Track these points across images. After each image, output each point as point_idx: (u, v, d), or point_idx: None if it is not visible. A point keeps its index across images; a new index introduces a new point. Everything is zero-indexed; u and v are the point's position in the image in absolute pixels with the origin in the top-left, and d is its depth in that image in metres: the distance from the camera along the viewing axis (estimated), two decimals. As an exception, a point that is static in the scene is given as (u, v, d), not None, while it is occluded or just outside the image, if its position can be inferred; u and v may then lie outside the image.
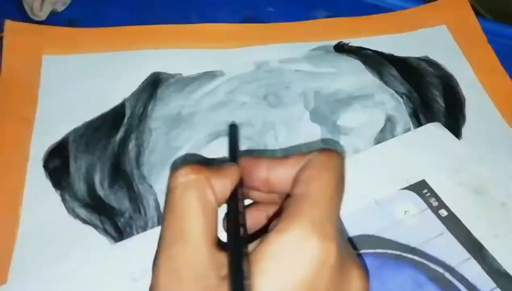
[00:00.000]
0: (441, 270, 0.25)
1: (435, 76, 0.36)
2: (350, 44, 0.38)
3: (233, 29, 0.37)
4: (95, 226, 0.26)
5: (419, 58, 0.37)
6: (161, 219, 0.18)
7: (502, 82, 0.36)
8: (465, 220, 0.27)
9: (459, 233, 0.27)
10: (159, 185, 0.28)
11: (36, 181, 0.27)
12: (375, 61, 0.37)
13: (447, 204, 0.28)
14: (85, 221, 0.26)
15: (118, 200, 0.27)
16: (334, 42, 0.37)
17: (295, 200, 0.17)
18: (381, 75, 0.36)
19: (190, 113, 0.32)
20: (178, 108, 0.32)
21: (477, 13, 0.41)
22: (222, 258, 0.16)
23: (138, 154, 0.29)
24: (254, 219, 0.21)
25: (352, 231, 0.26)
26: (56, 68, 0.33)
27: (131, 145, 0.30)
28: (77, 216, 0.26)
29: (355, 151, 0.31)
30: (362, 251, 0.25)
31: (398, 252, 0.25)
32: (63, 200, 0.27)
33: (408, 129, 0.32)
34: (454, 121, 0.33)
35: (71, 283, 0.23)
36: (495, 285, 0.25)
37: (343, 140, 0.32)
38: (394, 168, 0.28)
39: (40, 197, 0.27)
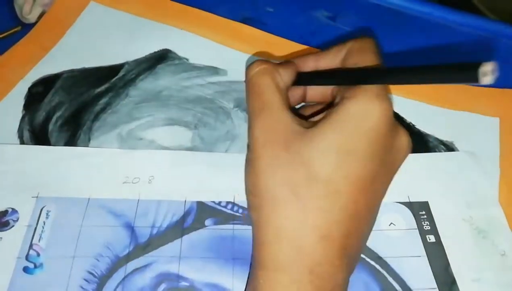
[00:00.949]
0: (398, 287, 0.25)
1: (447, 168, 0.30)
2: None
3: (260, 36, 0.36)
4: (26, 151, 0.29)
5: (441, 141, 0.31)
6: (246, 101, 0.24)
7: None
8: (451, 253, 0.26)
9: (436, 262, 0.26)
10: (96, 142, 0.29)
11: (15, 98, 0.31)
12: (387, 123, 0.32)
13: (439, 231, 0.27)
14: (21, 142, 0.29)
15: (56, 138, 0.29)
16: (356, 88, 0.34)
17: None
18: (383, 140, 0.31)
19: (169, 95, 0.32)
20: (163, 87, 0.33)
21: (479, 12, 0.38)
22: (301, 120, 0.22)
23: (102, 110, 0.31)
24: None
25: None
26: (94, 16, 0.37)
27: (102, 101, 0.32)
28: (20, 137, 0.29)
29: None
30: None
31: (363, 256, 0.26)
32: (22, 119, 0.30)
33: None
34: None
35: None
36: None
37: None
38: (401, 180, 0.25)
39: (9, 109, 0.30)
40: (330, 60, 0.25)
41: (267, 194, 0.21)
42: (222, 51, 0.35)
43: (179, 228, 0.26)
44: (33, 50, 0.34)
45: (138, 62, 0.34)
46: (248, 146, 0.23)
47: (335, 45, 0.25)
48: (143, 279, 0.24)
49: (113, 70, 0.34)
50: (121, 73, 0.33)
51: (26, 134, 0.29)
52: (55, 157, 0.28)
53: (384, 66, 0.22)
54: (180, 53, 0.35)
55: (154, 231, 0.26)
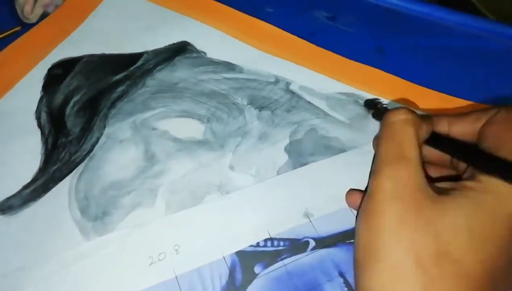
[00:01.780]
0: None
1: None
2: (385, 105, 0.33)
3: (279, 35, 0.36)
4: (42, 133, 0.29)
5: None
6: (378, 146, 0.22)
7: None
8: None
9: None
10: (110, 129, 0.30)
11: (35, 78, 0.32)
12: (397, 133, 0.32)
13: None
14: (39, 124, 0.30)
15: (73, 123, 0.30)
16: (369, 96, 0.34)
17: (494, 150, 0.20)
18: (392, 150, 0.31)
19: (185, 87, 0.33)
20: (179, 79, 0.33)
21: (478, 13, 0.38)
22: (431, 183, 0.20)
23: (118, 98, 0.32)
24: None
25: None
26: (116, 2, 0.37)
27: (119, 88, 0.32)
28: (38, 118, 0.30)
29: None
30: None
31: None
32: (40, 100, 0.31)
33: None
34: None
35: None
36: None
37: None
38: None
39: (27, 90, 0.31)
40: (466, 125, 0.23)
41: (389, 258, 0.19)
42: (240, 47, 0.36)
43: (233, 288, 0.24)
44: (54, 32, 0.35)
45: (156, 52, 0.35)
46: (366, 192, 0.21)
47: (475, 111, 0.23)
48: None
49: (132, 58, 0.34)
50: (139, 63, 0.34)
51: (44, 116, 0.30)
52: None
53: None
54: (199, 46, 0.35)
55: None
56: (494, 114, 0.22)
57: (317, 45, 0.36)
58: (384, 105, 0.33)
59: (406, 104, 0.34)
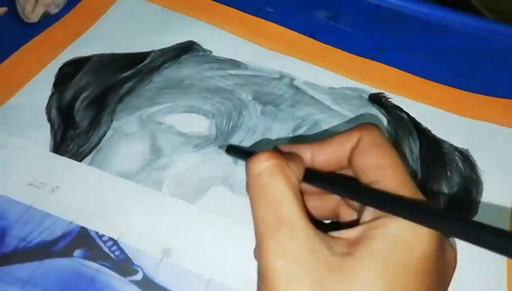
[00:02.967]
0: None
1: (459, 176, 0.30)
2: (390, 99, 0.34)
3: (282, 33, 0.37)
4: (52, 127, 0.30)
5: (456, 147, 0.31)
6: (251, 206, 0.18)
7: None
8: None
9: None
10: (118, 123, 0.31)
11: (47, 76, 0.33)
12: (402, 127, 0.32)
13: None
14: (48, 118, 0.31)
15: (82, 116, 0.31)
16: (374, 90, 0.34)
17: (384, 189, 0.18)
18: (397, 144, 0.31)
19: (191, 84, 0.33)
20: (185, 76, 0.34)
21: (478, 13, 0.38)
22: (327, 237, 0.17)
23: (126, 94, 0.33)
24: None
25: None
26: (127, 6, 0.39)
27: (127, 85, 0.33)
28: (48, 113, 0.31)
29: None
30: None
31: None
32: (51, 96, 0.32)
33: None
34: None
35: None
36: None
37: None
38: None
39: (39, 87, 0.32)
40: (330, 153, 0.21)
41: None
42: (245, 46, 0.36)
43: (46, 249, 0.24)
44: (66, 33, 0.36)
45: (164, 51, 0.35)
46: (259, 275, 0.17)
47: (335, 135, 0.21)
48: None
49: (140, 57, 0.35)
50: (147, 60, 0.35)
51: (54, 111, 0.31)
52: None
53: (418, 198, 0.18)
54: (205, 45, 0.36)
55: (21, 244, 0.24)
56: (357, 141, 0.20)
57: None
58: (389, 99, 0.33)
59: (410, 98, 0.34)
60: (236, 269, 0.25)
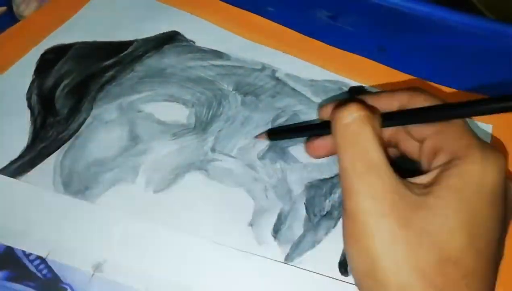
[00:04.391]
0: None
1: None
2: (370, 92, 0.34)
3: (264, 25, 0.37)
4: (32, 113, 0.30)
5: (431, 141, 0.31)
6: (339, 154, 0.20)
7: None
8: None
9: None
10: (97, 111, 0.31)
11: (28, 63, 0.33)
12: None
13: None
14: (29, 104, 0.31)
15: (62, 104, 0.31)
16: (355, 83, 0.34)
17: (450, 135, 0.20)
18: (374, 135, 0.31)
19: (172, 73, 0.34)
20: (167, 65, 0.34)
21: (479, 12, 0.38)
22: (407, 182, 0.20)
23: (107, 82, 0.33)
24: None
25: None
26: (112, -6, 0.39)
27: (108, 73, 0.33)
28: (28, 99, 0.31)
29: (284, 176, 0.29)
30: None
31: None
32: (32, 83, 0.32)
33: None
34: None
35: None
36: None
37: (279, 164, 0.29)
38: None
39: (19, 73, 0.32)
40: (386, 102, 0.23)
41: (394, 280, 0.18)
42: (228, 37, 0.37)
43: None
44: (48, 20, 0.36)
45: (146, 40, 0.36)
46: (347, 216, 0.20)
47: (385, 92, 0.24)
48: None
49: (123, 46, 0.35)
50: (129, 50, 0.35)
51: (34, 98, 0.31)
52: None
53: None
54: (188, 36, 0.36)
55: None
56: (407, 101, 0.22)
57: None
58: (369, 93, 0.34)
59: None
60: (173, 279, 0.24)
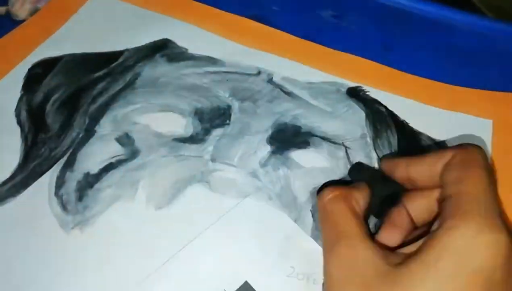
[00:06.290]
0: None
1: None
2: (368, 92, 0.33)
3: (258, 29, 0.37)
4: (22, 130, 0.29)
5: (433, 139, 0.31)
6: (321, 230, 0.23)
7: None
8: None
9: None
10: (91, 125, 0.30)
11: (15, 78, 0.32)
12: (380, 120, 0.32)
13: None
14: (18, 121, 0.29)
15: (53, 119, 0.30)
16: (352, 84, 0.34)
17: (454, 200, 0.18)
18: (376, 136, 0.31)
19: (166, 82, 0.33)
20: (160, 74, 0.33)
21: (477, 11, 0.38)
22: (385, 251, 0.19)
23: (99, 94, 0.32)
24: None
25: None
26: (98, 4, 0.37)
27: (100, 85, 0.32)
28: (17, 116, 0.30)
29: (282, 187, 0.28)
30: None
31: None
32: (20, 99, 0.31)
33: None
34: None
35: None
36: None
37: (282, 171, 0.29)
38: None
39: (6, 90, 0.31)
40: (425, 167, 0.22)
41: None
42: (221, 43, 0.36)
43: None
44: (35, 33, 0.35)
45: (138, 49, 0.35)
46: (323, 284, 0.22)
47: (433, 152, 0.22)
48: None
49: (113, 56, 0.34)
50: (120, 60, 0.34)
51: (24, 114, 0.30)
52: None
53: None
54: (180, 43, 0.35)
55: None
56: (451, 158, 0.21)
57: (322, 44, 0.36)
58: (367, 93, 0.33)
59: (388, 91, 0.34)
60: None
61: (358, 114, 0.32)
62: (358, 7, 0.39)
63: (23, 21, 0.35)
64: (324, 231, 0.22)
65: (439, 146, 0.31)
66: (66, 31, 0.35)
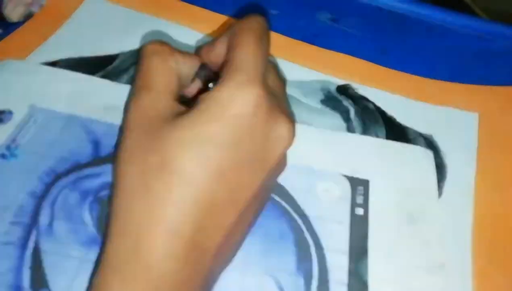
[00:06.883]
0: (310, 242, 0.26)
1: (424, 159, 0.31)
2: (356, 90, 0.35)
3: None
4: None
5: (420, 133, 0.32)
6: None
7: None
8: (373, 228, 0.27)
9: (356, 232, 0.27)
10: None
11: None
12: (369, 116, 0.33)
13: (369, 208, 0.28)
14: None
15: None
16: (342, 82, 0.35)
17: (228, 63, 0.21)
18: (364, 131, 0.32)
19: (160, 85, 0.34)
20: (154, 76, 0.34)
21: (472, 12, 0.39)
22: (182, 108, 0.21)
23: (95, 97, 0.32)
24: None
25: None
26: (92, 8, 0.38)
27: (96, 88, 0.33)
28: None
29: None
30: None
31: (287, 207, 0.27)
32: (18, 103, 0.31)
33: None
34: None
35: None
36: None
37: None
38: (352, 156, 0.30)
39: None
40: (219, 49, 0.24)
41: (122, 183, 0.20)
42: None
43: None
44: (30, 39, 0.35)
45: (132, 52, 0.35)
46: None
47: (223, 34, 0.25)
48: (91, 183, 0.27)
49: (108, 59, 0.35)
50: (115, 63, 0.35)
51: (22, 117, 0.31)
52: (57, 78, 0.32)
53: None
54: (174, 45, 0.36)
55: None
56: (232, 29, 0.23)
57: (320, 46, 0.37)
58: (356, 90, 0.34)
59: (376, 88, 0.35)
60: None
61: (346, 109, 0.33)
62: (355, 11, 0.39)
63: (16, 23, 0.36)
64: (135, 79, 0.23)
65: (426, 139, 0.32)
66: (60, 36, 0.36)
